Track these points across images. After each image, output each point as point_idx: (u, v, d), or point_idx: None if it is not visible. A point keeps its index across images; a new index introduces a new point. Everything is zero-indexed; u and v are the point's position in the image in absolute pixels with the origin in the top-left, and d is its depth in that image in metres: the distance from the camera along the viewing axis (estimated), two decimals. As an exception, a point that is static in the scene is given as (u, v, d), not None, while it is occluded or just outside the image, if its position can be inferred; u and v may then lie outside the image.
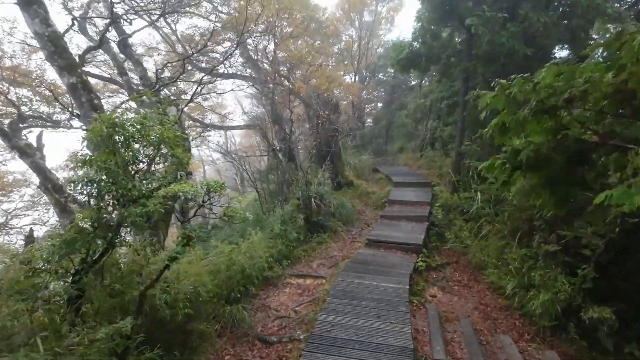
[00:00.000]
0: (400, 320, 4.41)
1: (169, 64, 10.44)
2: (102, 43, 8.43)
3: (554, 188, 3.73)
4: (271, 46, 12.85)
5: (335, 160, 11.49)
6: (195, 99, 17.62)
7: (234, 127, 17.72)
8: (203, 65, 14.55)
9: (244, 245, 5.87)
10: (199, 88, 11.14)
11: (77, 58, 7.18)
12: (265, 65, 14.19)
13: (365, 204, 10.63)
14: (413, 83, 22.19)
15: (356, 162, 12.44)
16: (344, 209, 8.86)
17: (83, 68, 7.69)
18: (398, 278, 5.61)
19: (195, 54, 11.73)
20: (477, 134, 5.38)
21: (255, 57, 14.27)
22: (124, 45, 9.22)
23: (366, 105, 24.28)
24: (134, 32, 10.21)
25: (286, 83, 14.24)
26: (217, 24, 12.00)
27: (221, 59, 13.64)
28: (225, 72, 15.99)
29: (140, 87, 9.72)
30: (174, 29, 13.24)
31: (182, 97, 15.13)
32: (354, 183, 11.50)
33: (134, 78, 10.49)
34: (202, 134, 20.49)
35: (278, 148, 15.38)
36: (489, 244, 6.70)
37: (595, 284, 4.55)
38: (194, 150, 22.46)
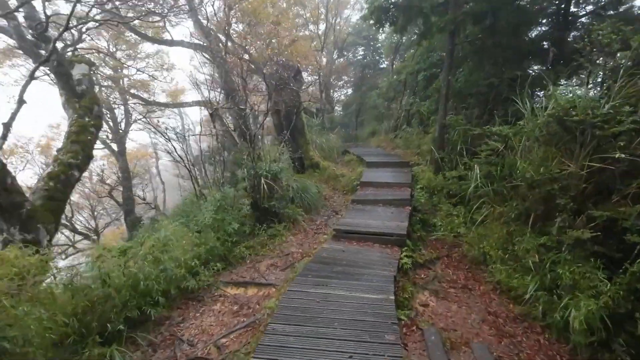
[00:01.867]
0: (387, 360, 2.66)
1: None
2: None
3: None
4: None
5: (297, 136, 9.59)
6: (126, 67, 14.79)
7: (179, 105, 15.15)
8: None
9: (148, 243, 3.82)
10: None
11: None
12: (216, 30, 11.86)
13: (333, 188, 8.88)
14: (384, 65, 20.82)
15: (323, 142, 10.63)
16: (306, 193, 7.02)
17: None
18: (378, 284, 3.89)
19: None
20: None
21: (205, 22, 11.85)
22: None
23: (335, 89, 22.58)
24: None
25: (239, 49, 12.08)
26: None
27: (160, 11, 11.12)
28: (168, 36, 13.45)
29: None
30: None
31: (101, 55, 12.41)
32: (320, 165, 9.70)
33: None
34: (146, 115, 17.74)
35: (232, 127, 13.25)
36: (490, 231, 5.20)
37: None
38: (144, 136, 19.41)
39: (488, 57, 8.06)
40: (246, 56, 12.38)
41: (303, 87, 9.40)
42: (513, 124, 5.61)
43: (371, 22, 8.05)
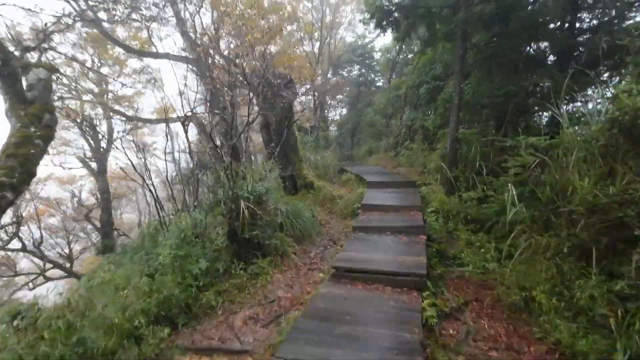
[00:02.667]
0: None
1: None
2: None
3: None
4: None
5: (289, 153, 8.53)
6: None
7: (162, 120, 14.07)
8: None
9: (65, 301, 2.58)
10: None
11: None
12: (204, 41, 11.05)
13: (330, 211, 7.72)
14: (380, 83, 20.32)
15: (317, 159, 9.57)
16: (298, 218, 5.86)
17: None
18: (398, 356, 2.67)
19: None
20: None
21: (193, 35, 11.05)
22: None
23: (329, 108, 21.93)
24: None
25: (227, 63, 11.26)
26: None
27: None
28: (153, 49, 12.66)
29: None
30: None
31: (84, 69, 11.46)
32: (315, 185, 8.59)
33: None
34: (129, 132, 16.69)
35: (219, 143, 12.18)
36: (533, 269, 4.07)
37: None
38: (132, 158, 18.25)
39: (498, 65, 7.25)
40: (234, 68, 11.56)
41: (296, 98, 8.45)
42: (550, 136, 4.64)
43: (371, 25, 7.22)
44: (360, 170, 10.12)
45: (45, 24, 7.26)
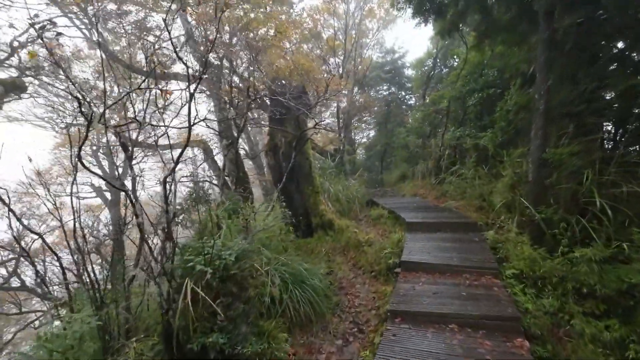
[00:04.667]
0: None
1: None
2: None
3: None
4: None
5: (301, 183, 6.62)
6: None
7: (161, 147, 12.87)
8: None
9: None
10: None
11: None
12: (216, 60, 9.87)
13: (354, 264, 5.57)
14: (412, 101, 18.32)
15: (339, 190, 7.53)
16: (302, 285, 3.79)
17: None
18: None
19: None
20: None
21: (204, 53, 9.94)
22: None
23: (356, 130, 20.13)
24: None
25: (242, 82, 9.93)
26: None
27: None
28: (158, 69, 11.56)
29: None
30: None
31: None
32: (335, 224, 6.52)
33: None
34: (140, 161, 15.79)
35: (227, 173, 10.60)
36: None
37: None
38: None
39: (579, 61, 5.00)
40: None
41: (311, 111, 6.60)
42: None
43: (408, 11, 5.34)
44: (395, 203, 7.92)
45: (14, 38, 6.23)
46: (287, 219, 6.24)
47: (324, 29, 14.53)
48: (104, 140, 14.87)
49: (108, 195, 15.63)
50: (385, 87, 18.32)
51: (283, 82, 7.11)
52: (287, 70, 7.86)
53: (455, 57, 11.97)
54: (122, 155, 15.07)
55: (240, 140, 16.86)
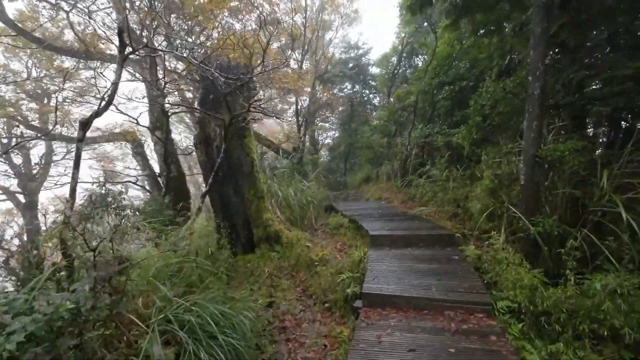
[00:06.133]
0: None
1: None
2: None
3: None
4: None
5: (240, 182, 5.21)
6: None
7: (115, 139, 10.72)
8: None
9: None
10: None
11: None
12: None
13: (303, 290, 4.29)
14: (376, 101, 17.60)
15: (290, 194, 6.20)
16: (224, 334, 2.42)
17: None
18: None
19: None
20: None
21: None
22: None
23: (318, 129, 18.96)
24: None
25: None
26: None
27: None
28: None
29: None
30: None
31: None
32: (283, 237, 5.20)
33: None
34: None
35: (159, 171, 8.97)
36: None
37: None
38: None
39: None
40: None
41: (255, 96, 5.20)
42: None
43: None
44: (357, 209, 6.78)
45: None
46: (222, 231, 4.84)
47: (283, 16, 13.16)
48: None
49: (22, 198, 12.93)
50: (349, 86, 17.42)
51: (225, 59, 5.64)
52: (231, 50, 6.40)
53: (423, 51, 11.26)
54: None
55: (181, 134, 14.67)
